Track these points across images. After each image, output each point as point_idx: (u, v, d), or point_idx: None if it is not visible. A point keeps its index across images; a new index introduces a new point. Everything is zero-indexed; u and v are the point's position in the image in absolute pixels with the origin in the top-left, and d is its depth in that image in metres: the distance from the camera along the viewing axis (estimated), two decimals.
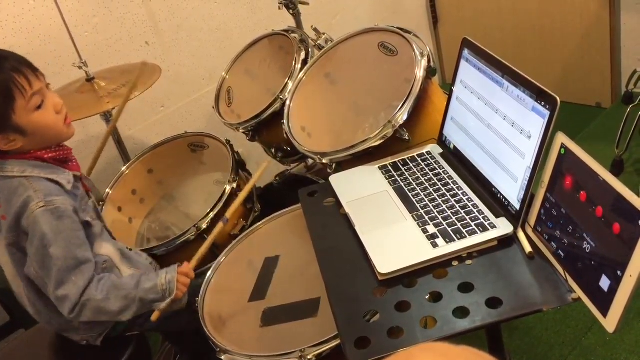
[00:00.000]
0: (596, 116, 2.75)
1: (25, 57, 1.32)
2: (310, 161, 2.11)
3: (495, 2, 2.95)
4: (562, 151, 1.02)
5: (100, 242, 1.42)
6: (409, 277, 1.09)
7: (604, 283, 0.90)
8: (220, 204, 1.69)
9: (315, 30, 1.93)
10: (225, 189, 1.71)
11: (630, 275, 0.85)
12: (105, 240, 1.45)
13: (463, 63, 1.32)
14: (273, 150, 1.92)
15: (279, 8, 2.08)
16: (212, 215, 1.68)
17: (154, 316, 1.37)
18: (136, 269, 1.48)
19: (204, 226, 1.67)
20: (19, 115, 1.27)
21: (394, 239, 1.17)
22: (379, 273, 1.09)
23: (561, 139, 1.02)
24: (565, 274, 0.99)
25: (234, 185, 1.72)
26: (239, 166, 1.82)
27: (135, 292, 1.35)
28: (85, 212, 1.39)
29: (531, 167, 1.08)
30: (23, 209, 1.29)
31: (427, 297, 1.04)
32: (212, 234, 1.50)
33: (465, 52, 1.31)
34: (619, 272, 0.87)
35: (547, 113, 1.04)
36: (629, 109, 2.32)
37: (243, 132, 1.86)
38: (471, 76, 1.28)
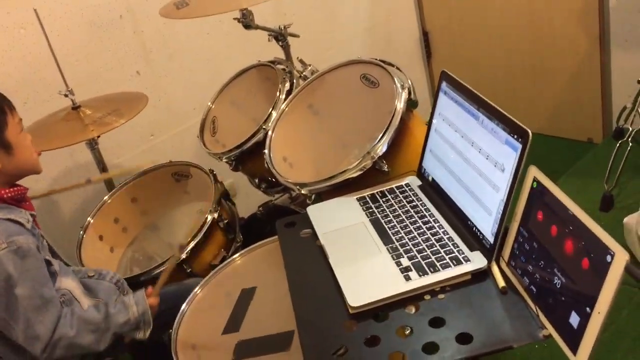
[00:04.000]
0: (587, 151, 2.74)
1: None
2: (294, 192, 2.09)
3: (487, 38, 2.97)
4: (534, 185, 1.01)
5: (60, 278, 1.41)
6: (380, 310, 1.07)
7: (574, 320, 0.88)
8: (201, 234, 1.68)
9: (301, 61, 1.94)
10: (206, 219, 1.70)
11: (599, 312, 0.83)
12: (65, 275, 1.43)
13: (442, 96, 1.32)
14: (257, 181, 1.91)
15: (269, 40, 2.09)
16: (192, 244, 1.67)
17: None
18: (97, 299, 1.46)
19: (183, 256, 1.65)
20: (10, 131, 1.31)
21: (367, 272, 1.15)
22: (350, 306, 1.07)
23: (533, 172, 1.01)
24: (537, 310, 0.97)
25: (215, 215, 1.71)
26: (222, 196, 1.81)
27: (106, 324, 1.34)
28: (44, 250, 1.38)
29: (504, 200, 1.06)
30: None
31: (397, 331, 1.02)
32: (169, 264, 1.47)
33: (444, 85, 1.31)
34: (587, 309, 0.85)
35: (519, 146, 1.03)
36: (617, 144, 2.31)
37: (226, 162, 1.85)
38: (449, 109, 1.28)
